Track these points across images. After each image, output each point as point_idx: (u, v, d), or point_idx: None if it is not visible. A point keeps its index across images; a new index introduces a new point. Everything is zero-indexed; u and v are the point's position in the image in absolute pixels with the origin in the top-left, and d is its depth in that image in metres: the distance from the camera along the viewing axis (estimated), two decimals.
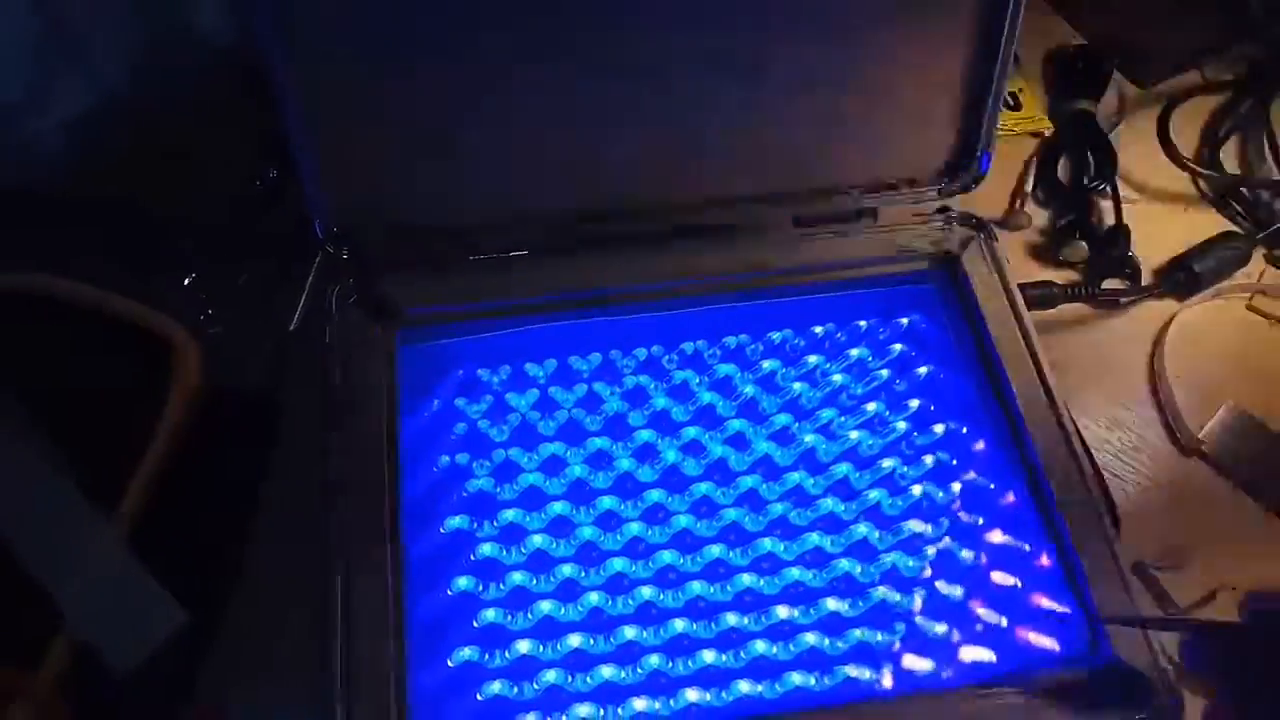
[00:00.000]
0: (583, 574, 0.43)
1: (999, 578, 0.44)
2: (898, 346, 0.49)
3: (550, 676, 0.41)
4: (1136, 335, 0.53)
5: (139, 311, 0.46)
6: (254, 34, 0.40)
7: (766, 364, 0.48)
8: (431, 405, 0.47)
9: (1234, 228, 0.56)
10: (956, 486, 0.46)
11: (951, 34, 0.45)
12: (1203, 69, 0.61)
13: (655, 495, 0.45)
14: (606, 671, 0.41)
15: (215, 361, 0.45)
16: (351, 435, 0.43)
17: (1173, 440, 0.50)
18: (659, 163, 0.47)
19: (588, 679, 0.41)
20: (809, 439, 0.47)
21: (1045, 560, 0.43)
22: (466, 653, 0.41)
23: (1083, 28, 0.63)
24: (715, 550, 0.44)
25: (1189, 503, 0.48)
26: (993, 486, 0.45)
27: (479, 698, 0.40)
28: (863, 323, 0.50)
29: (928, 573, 0.44)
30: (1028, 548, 0.44)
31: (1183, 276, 0.53)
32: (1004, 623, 0.43)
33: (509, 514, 0.44)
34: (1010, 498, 0.45)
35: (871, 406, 0.48)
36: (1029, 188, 0.57)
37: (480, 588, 0.43)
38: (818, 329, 0.49)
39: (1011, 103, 0.60)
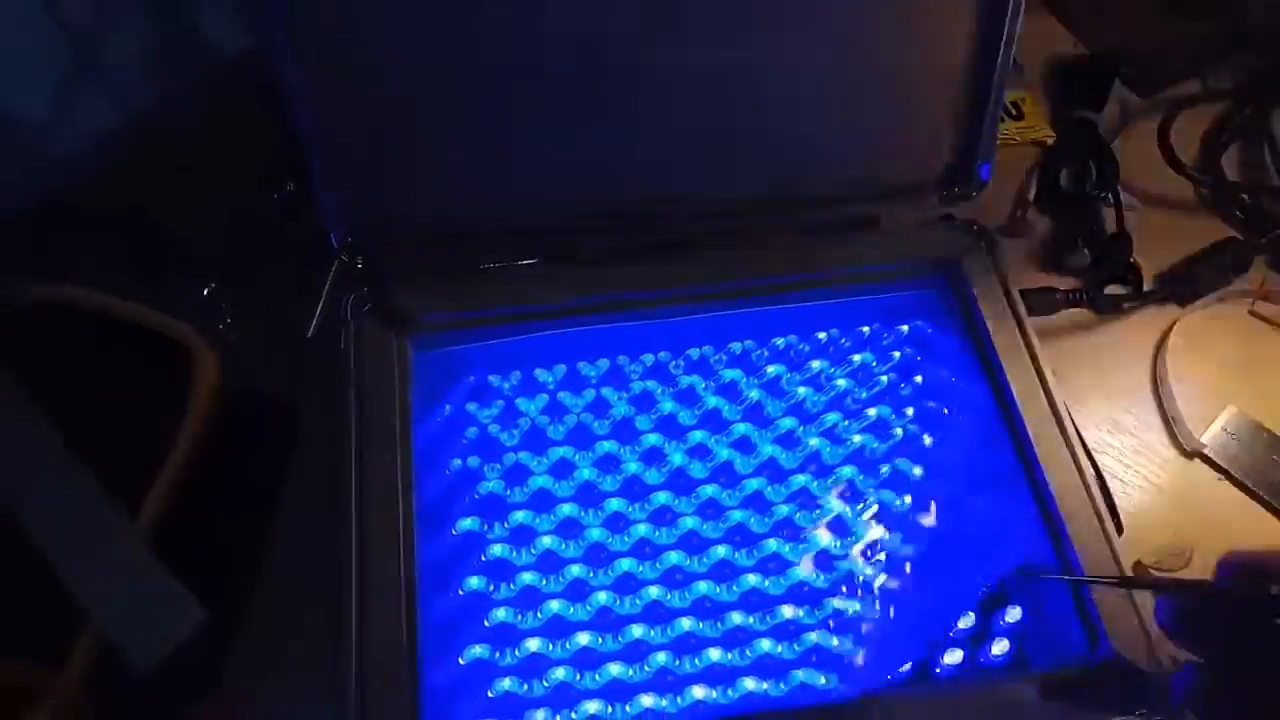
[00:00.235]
0: (591, 574, 0.44)
1: (1001, 579, 0.44)
2: (900, 352, 0.50)
3: (559, 674, 0.42)
4: (1138, 341, 0.53)
5: (161, 321, 0.47)
6: (269, 49, 0.42)
7: (771, 369, 0.49)
8: (444, 410, 0.48)
9: (1235, 234, 0.56)
10: (960, 488, 0.46)
11: (951, 44, 0.46)
12: (1204, 78, 0.62)
13: (662, 497, 0.46)
14: (614, 669, 0.42)
15: (234, 368, 0.46)
16: (366, 439, 0.44)
17: (1174, 444, 0.51)
18: (665, 172, 0.48)
19: (596, 676, 0.42)
20: (813, 442, 0.47)
21: (1047, 561, 0.44)
22: (478, 651, 0.42)
23: (1085, 38, 0.64)
24: (721, 551, 0.45)
25: (1191, 505, 0.49)
26: (993, 491, 0.46)
27: (490, 694, 0.41)
28: (866, 328, 0.51)
29: (931, 573, 0.45)
30: (1028, 549, 0.44)
31: (1184, 283, 0.54)
32: (1006, 622, 0.43)
33: (519, 515, 0.45)
34: (1012, 501, 0.46)
35: (874, 410, 0.48)
36: (1031, 196, 0.58)
37: (491, 587, 0.44)
38: (821, 334, 0.50)
39: (1014, 112, 0.61)
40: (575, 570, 0.44)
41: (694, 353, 0.50)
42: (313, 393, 0.49)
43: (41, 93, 0.55)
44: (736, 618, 0.43)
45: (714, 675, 0.42)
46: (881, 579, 0.45)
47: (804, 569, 0.44)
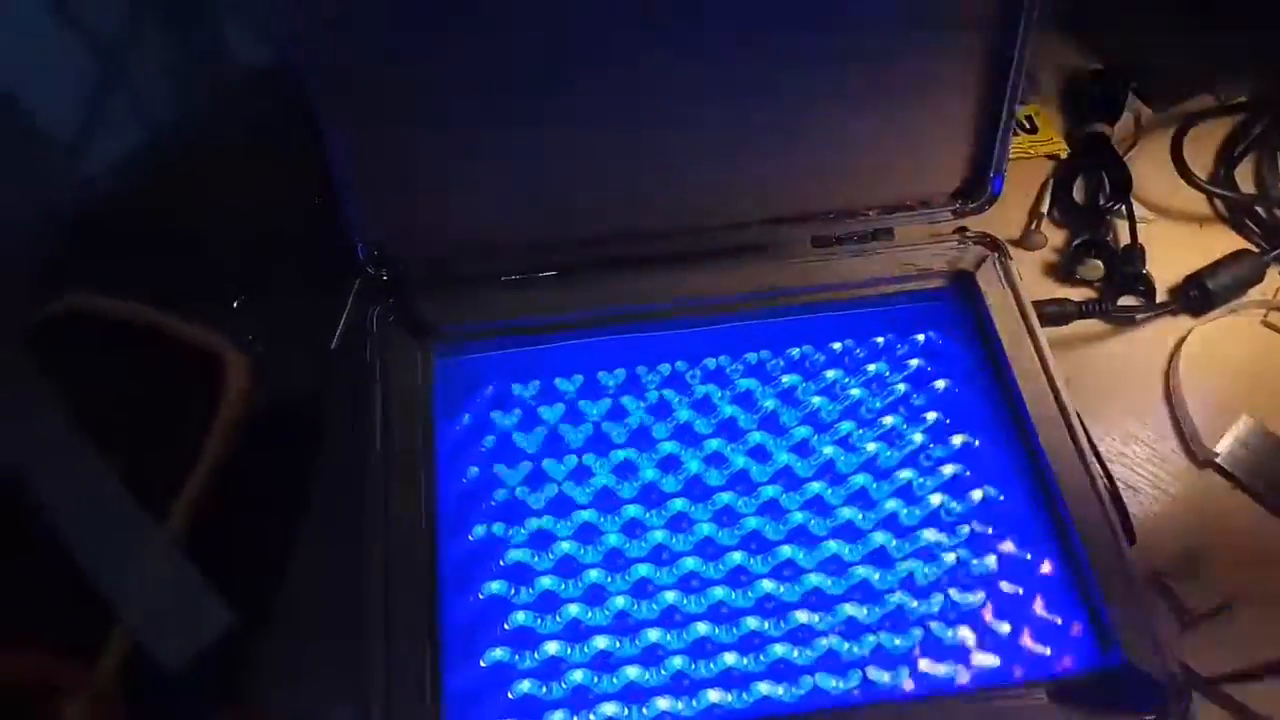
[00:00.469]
0: (609, 579, 0.45)
1: (1013, 586, 0.45)
2: (914, 362, 0.51)
3: (578, 676, 0.42)
4: (1151, 351, 0.54)
5: (192, 331, 0.48)
6: (294, 64, 0.43)
7: (787, 379, 0.50)
8: (465, 418, 0.49)
9: (1249, 246, 0.57)
10: (973, 496, 0.47)
11: (964, 58, 0.47)
12: (1217, 91, 0.62)
13: (679, 504, 0.46)
14: (632, 672, 0.42)
15: (262, 378, 0.48)
16: (389, 447, 0.45)
17: (1188, 453, 0.51)
18: (682, 187, 0.49)
19: (614, 679, 0.42)
20: (828, 451, 0.48)
21: (1059, 569, 0.44)
22: (498, 653, 0.43)
23: (1098, 52, 0.64)
24: (737, 557, 0.45)
25: (1204, 514, 0.49)
26: (1005, 498, 0.47)
27: (510, 696, 0.42)
28: (880, 339, 0.51)
29: (943, 580, 0.45)
30: (1040, 556, 0.45)
31: (1197, 294, 0.54)
32: (1018, 629, 0.44)
33: (538, 521, 0.46)
34: (1025, 508, 0.46)
35: (889, 420, 0.49)
36: (1045, 208, 0.58)
37: (511, 591, 0.44)
38: (836, 345, 0.51)
39: (1028, 125, 0.62)
40: (593, 575, 0.45)
41: (710, 362, 0.50)
42: (337, 402, 0.50)
43: (70, 110, 0.56)
44: (752, 623, 0.44)
45: (729, 679, 0.43)
46: (895, 586, 0.45)
47: (817, 575, 0.45)
